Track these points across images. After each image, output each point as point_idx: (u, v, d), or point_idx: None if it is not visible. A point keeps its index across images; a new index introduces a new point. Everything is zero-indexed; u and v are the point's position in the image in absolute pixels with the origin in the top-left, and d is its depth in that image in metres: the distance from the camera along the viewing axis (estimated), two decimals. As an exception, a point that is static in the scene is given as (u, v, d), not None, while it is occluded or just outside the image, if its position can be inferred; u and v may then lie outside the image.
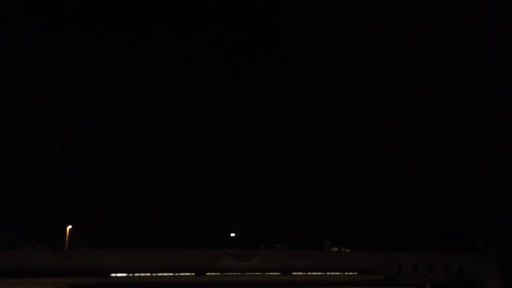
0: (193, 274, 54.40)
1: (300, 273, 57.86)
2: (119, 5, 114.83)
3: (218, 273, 55.44)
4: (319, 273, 58.44)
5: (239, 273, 55.77)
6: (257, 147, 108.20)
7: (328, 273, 58.66)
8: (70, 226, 57.72)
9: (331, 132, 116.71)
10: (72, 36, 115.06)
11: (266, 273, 56.73)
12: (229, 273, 55.59)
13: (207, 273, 54.96)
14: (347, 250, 68.76)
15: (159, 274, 53.60)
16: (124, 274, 52.68)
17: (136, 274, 52.94)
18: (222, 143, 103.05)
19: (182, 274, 54.17)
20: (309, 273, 58.15)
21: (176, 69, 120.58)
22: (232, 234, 65.25)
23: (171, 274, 53.88)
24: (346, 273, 59.19)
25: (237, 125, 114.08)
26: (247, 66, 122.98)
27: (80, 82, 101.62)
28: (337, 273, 58.90)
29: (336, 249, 70.11)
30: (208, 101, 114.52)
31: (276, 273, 57.17)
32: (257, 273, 56.39)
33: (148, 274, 53.26)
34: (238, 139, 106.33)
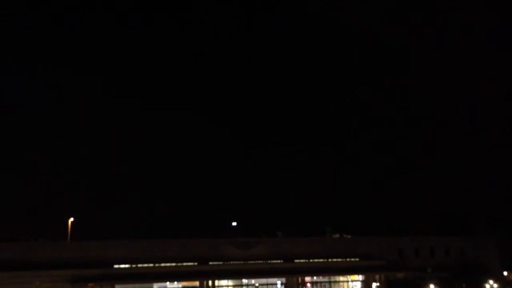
0: (196, 263, 54.57)
1: (302, 260, 57.99)
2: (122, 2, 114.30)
3: (221, 262, 55.63)
4: (320, 260, 58.56)
5: (241, 262, 56.00)
6: (257, 139, 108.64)
7: (329, 260, 58.77)
8: (72, 219, 57.90)
9: (330, 124, 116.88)
10: (70, 33, 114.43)
11: (268, 261, 56.88)
12: (231, 262, 55.81)
13: (210, 262, 55.12)
14: (348, 236, 69.04)
15: (162, 264, 53.86)
16: (127, 265, 52.95)
17: (139, 265, 53.19)
18: (221, 136, 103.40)
19: (184, 263, 54.34)
20: (311, 260, 58.26)
21: (177, 65, 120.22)
22: (234, 223, 65.47)
23: (173, 264, 54.09)
24: (347, 259, 59.34)
25: (238, 119, 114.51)
26: (249, 62, 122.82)
27: (81, 78, 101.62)
28: (338, 259, 59.04)
29: (337, 235, 70.51)
30: (213, 95, 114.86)
31: (278, 261, 57.29)
32: (259, 261, 56.59)
33: (151, 265, 53.49)
34: (237, 132, 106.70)
